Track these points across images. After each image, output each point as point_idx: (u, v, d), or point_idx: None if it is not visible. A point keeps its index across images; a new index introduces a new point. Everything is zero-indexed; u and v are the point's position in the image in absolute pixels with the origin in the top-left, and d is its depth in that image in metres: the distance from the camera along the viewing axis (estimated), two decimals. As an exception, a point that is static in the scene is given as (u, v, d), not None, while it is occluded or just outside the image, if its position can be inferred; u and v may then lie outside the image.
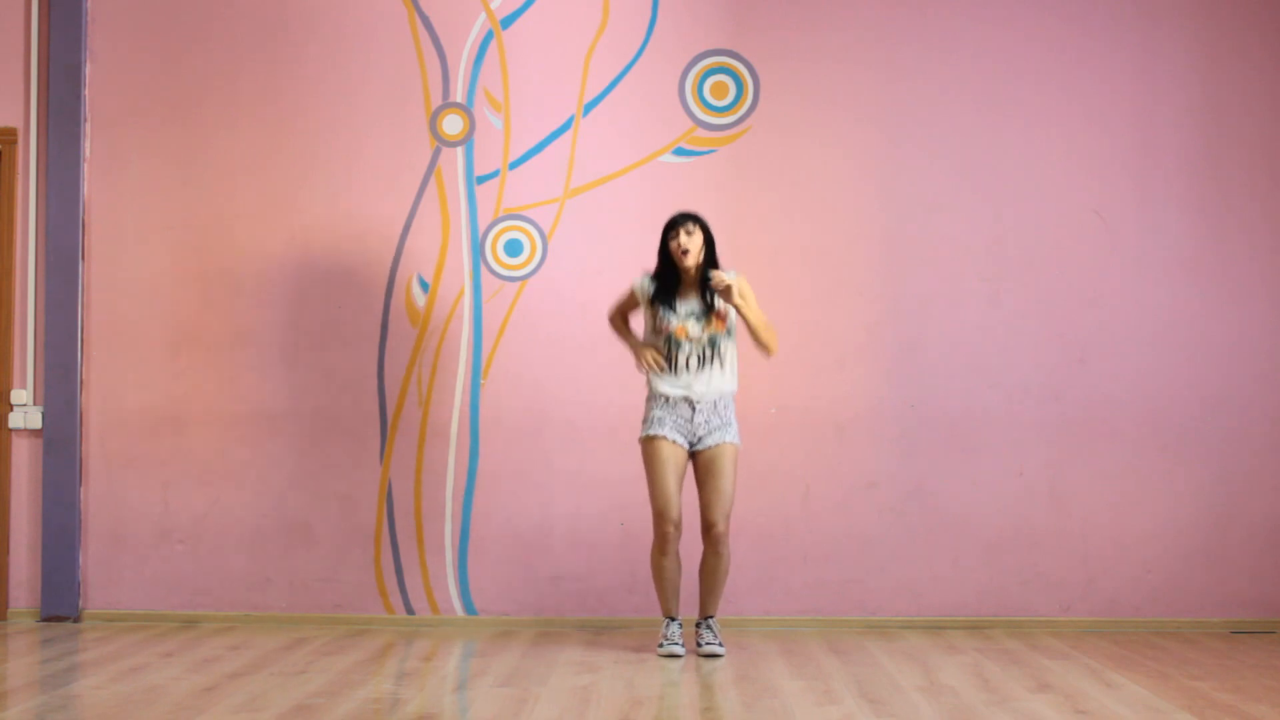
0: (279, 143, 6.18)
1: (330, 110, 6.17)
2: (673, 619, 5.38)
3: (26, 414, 6.12)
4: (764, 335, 5.32)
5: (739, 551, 5.89)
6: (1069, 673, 5.04)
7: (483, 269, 6.14)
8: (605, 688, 4.74)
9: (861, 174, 6.14)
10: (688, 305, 5.33)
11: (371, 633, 5.88)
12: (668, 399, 5.31)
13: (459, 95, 6.17)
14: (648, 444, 5.32)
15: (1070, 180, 6.14)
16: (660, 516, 5.28)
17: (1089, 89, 6.15)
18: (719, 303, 5.31)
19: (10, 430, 6.12)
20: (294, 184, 6.17)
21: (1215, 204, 6.14)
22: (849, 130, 6.15)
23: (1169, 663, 5.27)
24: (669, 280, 5.37)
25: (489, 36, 6.18)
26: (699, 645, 5.35)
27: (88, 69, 6.17)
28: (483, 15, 6.19)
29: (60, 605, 6.05)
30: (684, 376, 5.29)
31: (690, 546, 5.57)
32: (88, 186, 6.17)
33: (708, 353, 5.30)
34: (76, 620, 6.08)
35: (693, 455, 5.35)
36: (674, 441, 5.29)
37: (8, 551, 6.13)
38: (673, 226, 5.33)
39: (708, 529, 5.30)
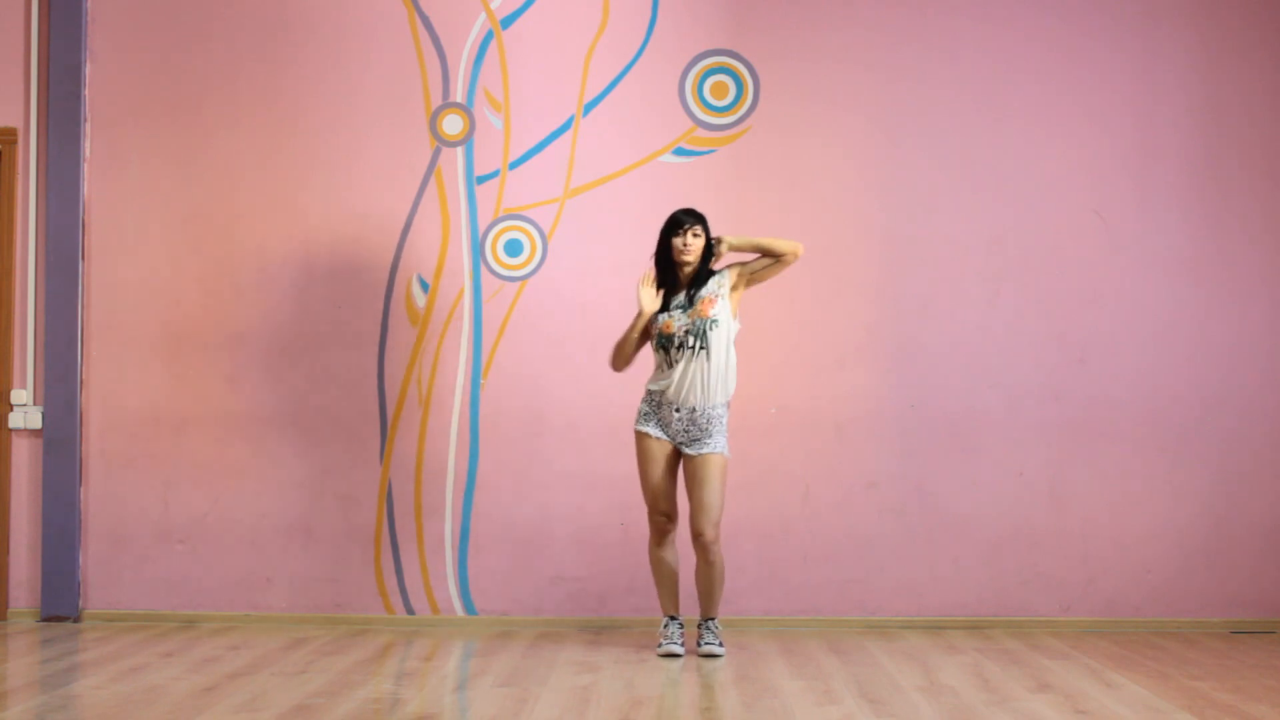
0: (279, 143, 6.18)
1: (330, 110, 6.17)
2: (672, 618, 5.38)
3: (26, 414, 6.12)
4: (777, 241, 5.30)
5: (739, 551, 5.89)
6: (1069, 673, 5.04)
7: (483, 269, 6.14)
8: (605, 688, 4.74)
9: (861, 174, 6.14)
10: (675, 299, 5.33)
11: (371, 633, 5.88)
12: (654, 397, 5.32)
13: (459, 95, 6.17)
14: (638, 437, 5.36)
15: (1070, 180, 6.14)
16: (650, 507, 5.35)
17: (1089, 89, 6.15)
18: (704, 291, 5.28)
19: (10, 430, 6.12)
20: (294, 184, 6.17)
21: (1215, 204, 6.14)
22: (849, 130, 6.15)
23: (1169, 663, 5.27)
24: (666, 277, 5.36)
25: (489, 36, 6.18)
26: (699, 645, 5.35)
27: (88, 69, 6.17)
28: (483, 15, 6.19)
29: (60, 605, 6.05)
30: (674, 369, 5.26)
31: (686, 551, 5.56)
32: (88, 186, 6.17)
33: (693, 341, 5.25)
34: (76, 620, 6.08)
35: (682, 460, 5.35)
36: (657, 437, 5.30)
37: (8, 551, 6.13)
38: (677, 225, 5.31)
39: (696, 537, 5.29)
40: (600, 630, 5.93)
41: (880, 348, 6.11)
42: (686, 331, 5.25)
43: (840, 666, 5.14)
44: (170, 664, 5.14)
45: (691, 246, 5.28)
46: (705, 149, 6.15)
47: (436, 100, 6.17)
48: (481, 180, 6.16)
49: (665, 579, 5.37)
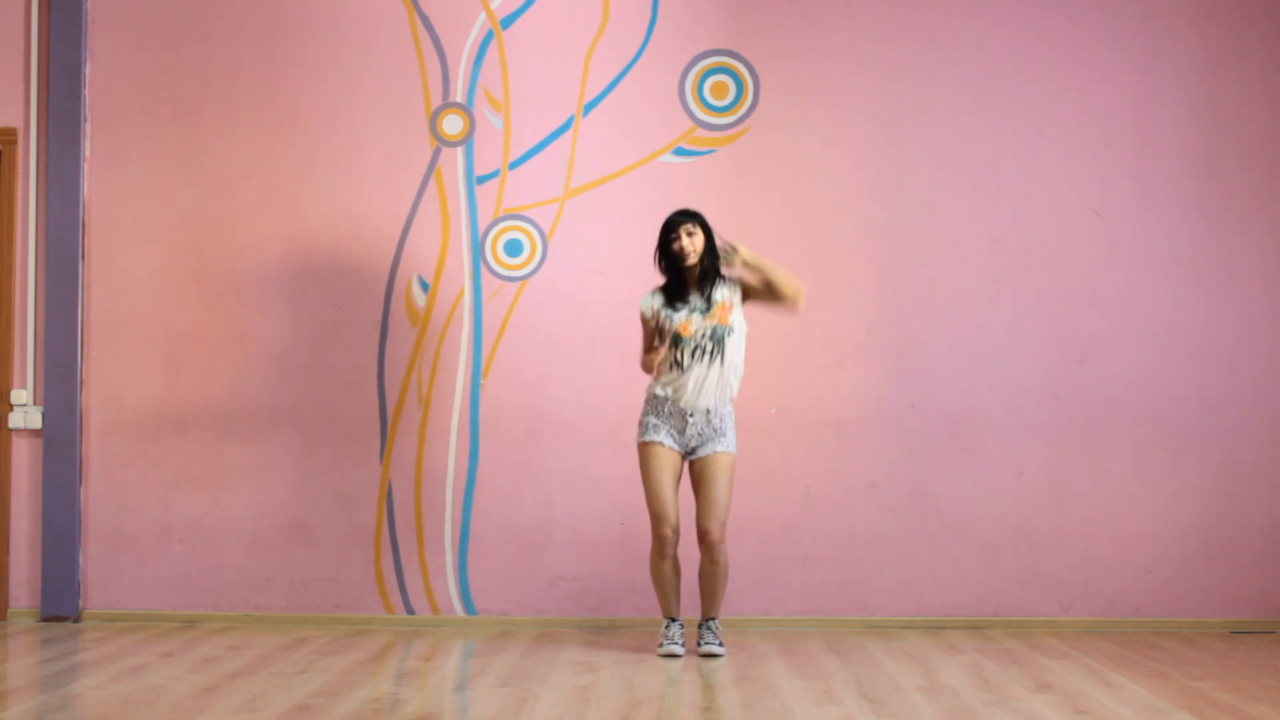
0: (279, 143, 6.18)
1: (330, 110, 6.18)
2: (673, 619, 5.38)
3: (26, 414, 6.12)
4: (784, 282, 5.21)
5: (740, 551, 5.89)
6: (1069, 673, 5.04)
7: (483, 269, 6.14)
8: (605, 688, 4.74)
9: (862, 174, 6.14)
10: (689, 302, 5.32)
11: (371, 633, 5.88)
12: (662, 404, 5.29)
13: (459, 95, 6.17)
14: (643, 449, 5.31)
15: (1070, 180, 6.14)
16: (658, 520, 5.27)
17: (1089, 89, 6.15)
18: (720, 295, 5.29)
19: (10, 430, 6.12)
20: (294, 184, 6.17)
21: (1215, 204, 6.14)
22: (849, 130, 6.15)
23: (1169, 663, 5.27)
24: (673, 282, 5.34)
25: (489, 36, 6.18)
26: (699, 645, 5.35)
27: (88, 69, 6.17)
28: (483, 15, 6.19)
29: (60, 605, 6.05)
30: (688, 373, 5.26)
31: (689, 551, 5.57)
32: (88, 186, 6.17)
33: (710, 346, 5.26)
34: (76, 620, 6.08)
35: (689, 462, 5.34)
36: (669, 446, 5.28)
37: (8, 551, 6.13)
38: (672, 228, 5.30)
39: (702, 537, 5.29)
40: (600, 630, 5.94)
41: (880, 348, 6.11)
42: (705, 336, 5.24)
43: (840, 666, 5.15)
44: (170, 664, 5.14)
45: (691, 245, 5.27)
46: (705, 149, 6.15)
47: (436, 100, 6.17)
48: (481, 180, 6.16)
49: (666, 588, 5.36)
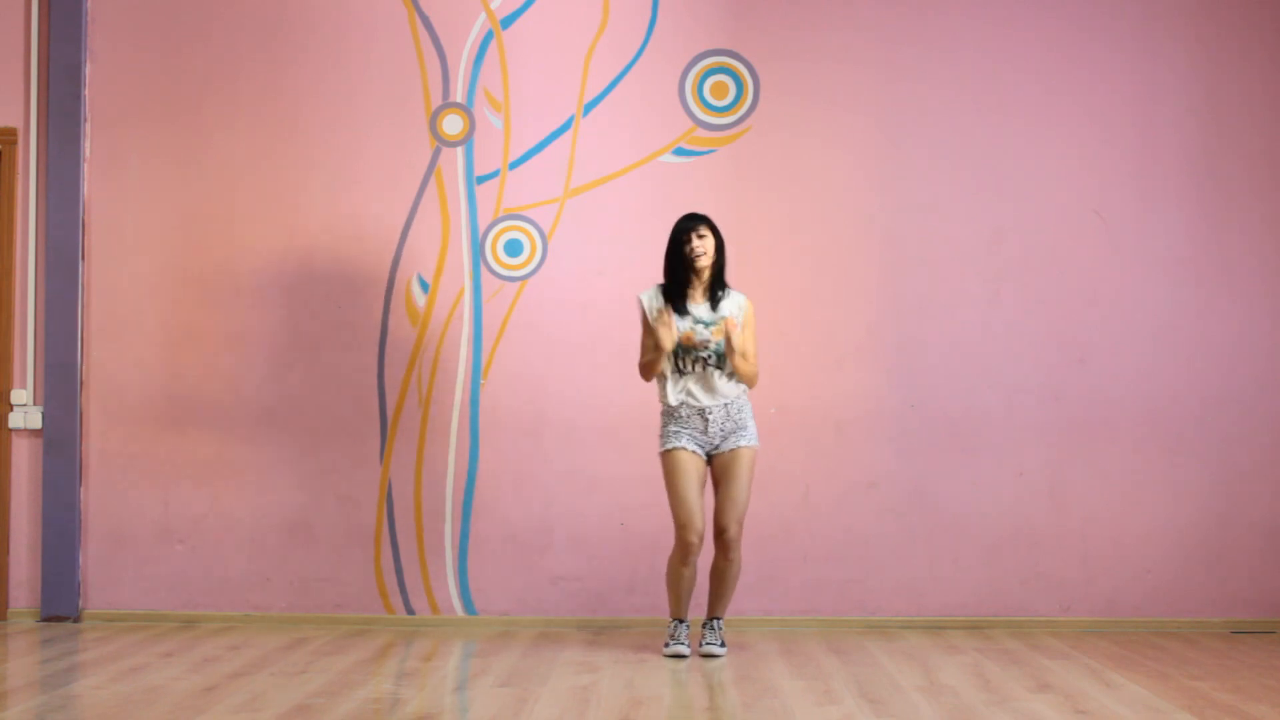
0: (279, 143, 6.18)
1: (330, 110, 6.17)
2: (681, 620, 5.38)
3: (26, 414, 6.12)
4: (742, 366, 5.20)
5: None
6: (1069, 673, 5.04)
7: (483, 269, 6.14)
8: (605, 688, 4.74)
9: (862, 174, 6.14)
10: (696, 310, 5.30)
11: (371, 633, 5.88)
12: (679, 412, 5.27)
13: (459, 95, 6.17)
14: (667, 457, 5.28)
15: (1070, 180, 6.14)
16: (683, 528, 5.22)
17: (1089, 89, 6.15)
18: (726, 309, 5.28)
19: (10, 430, 6.12)
20: (294, 184, 6.17)
21: (1215, 204, 6.14)
22: (849, 130, 6.15)
23: (1169, 663, 5.27)
24: (679, 284, 5.32)
25: (489, 36, 6.18)
26: (700, 645, 5.35)
27: (88, 69, 6.17)
28: (483, 15, 6.19)
29: (60, 605, 6.05)
30: (690, 379, 5.26)
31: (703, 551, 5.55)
32: (88, 186, 6.17)
33: (713, 358, 5.25)
34: (76, 620, 6.08)
35: (712, 458, 5.33)
36: (693, 452, 5.27)
37: (8, 551, 6.13)
38: (684, 231, 5.27)
39: (720, 533, 5.27)
40: (600, 630, 5.93)
41: (880, 348, 6.11)
42: (708, 348, 5.22)
43: (840, 666, 5.14)
44: (170, 664, 5.14)
45: (704, 247, 5.24)
46: (705, 149, 6.14)
47: (436, 100, 6.17)
48: (481, 180, 6.16)
49: (682, 591, 5.34)
